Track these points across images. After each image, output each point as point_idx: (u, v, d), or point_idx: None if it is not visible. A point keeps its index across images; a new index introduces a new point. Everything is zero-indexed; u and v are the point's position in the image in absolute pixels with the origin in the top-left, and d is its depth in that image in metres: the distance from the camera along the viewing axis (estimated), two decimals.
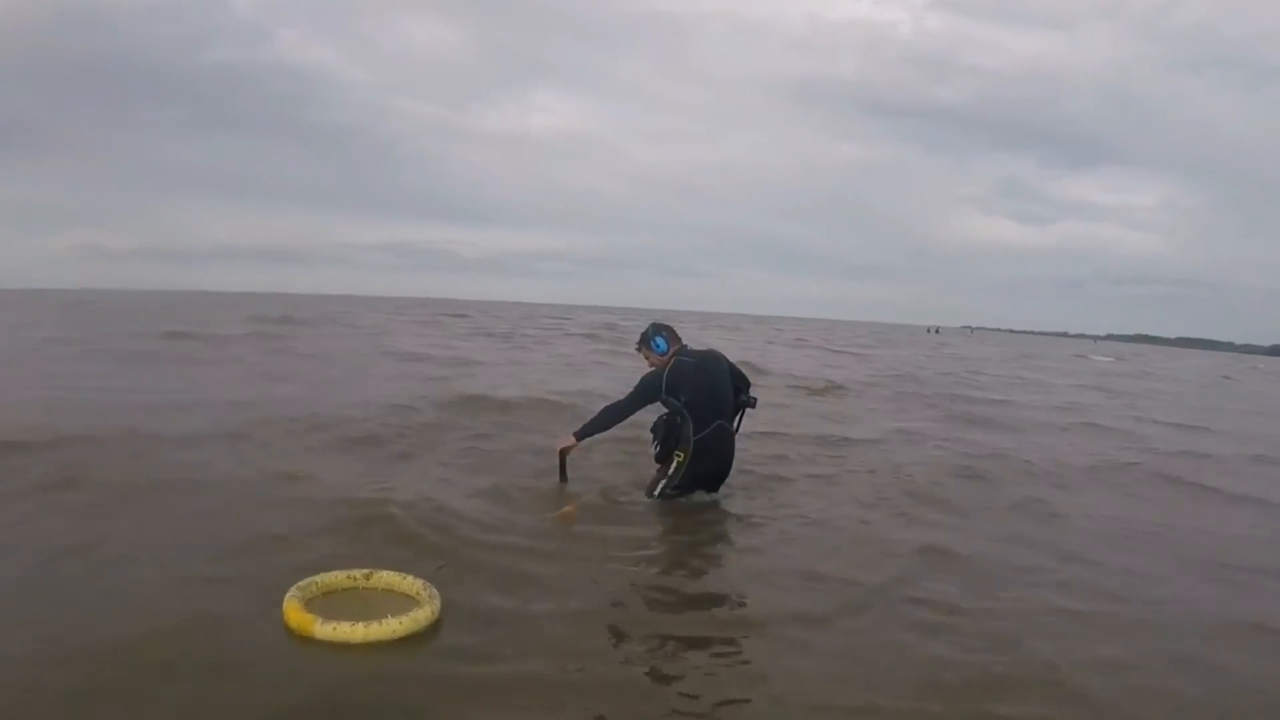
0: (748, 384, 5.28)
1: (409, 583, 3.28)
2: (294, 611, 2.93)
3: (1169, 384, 23.26)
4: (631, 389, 5.02)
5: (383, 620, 2.89)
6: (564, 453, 5.05)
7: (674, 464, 4.93)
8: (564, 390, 9.06)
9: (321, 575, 3.27)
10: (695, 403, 4.91)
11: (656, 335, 5.07)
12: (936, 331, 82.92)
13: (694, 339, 5.45)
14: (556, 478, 5.13)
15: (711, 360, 5.12)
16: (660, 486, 4.96)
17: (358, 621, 2.87)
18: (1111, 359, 38.67)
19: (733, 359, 5.28)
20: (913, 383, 14.95)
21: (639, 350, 5.22)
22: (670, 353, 5.03)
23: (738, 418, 5.23)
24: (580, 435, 4.97)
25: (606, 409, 5.01)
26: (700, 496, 5.06)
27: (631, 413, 4.99)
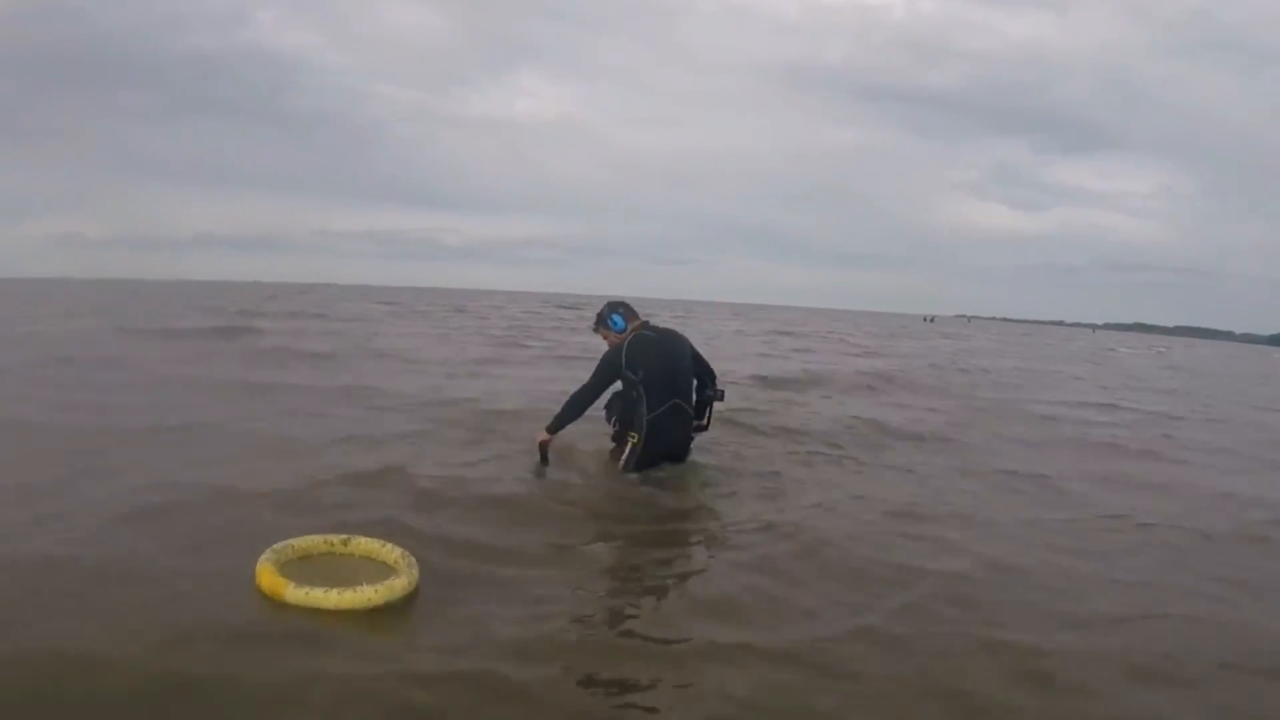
0: (713, 376, 5.28)
1: (387, 550, 3.23)
2: (267, 574, 2.91)
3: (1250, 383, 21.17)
4: (593, 370, 5.02)
5: (357, 588, 2.85)
6: (543, 445, 5.04)
7: (629, 445, 4.92)
8: None
9: (298, 539, 3.25)
10: (651, 379, 4.88)
11: (612, 313, 5.09)
12: (931, 320, 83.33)
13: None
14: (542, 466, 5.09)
15: (673, 338, 5.13)
16: (625, 461, 4.94)
17: (331, 588, 2.84)
18: (1131, 350, 37.15)
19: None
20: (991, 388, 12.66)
21: (596, 330, 5.25)
22: (629, 329, 5.04)
23: (708, 412, 5.27)
24: (552, 428, 4.96)
25: (573, 396, 4.96)
26: (668, 468, 5.04)
27: (598, 394, 5.01)
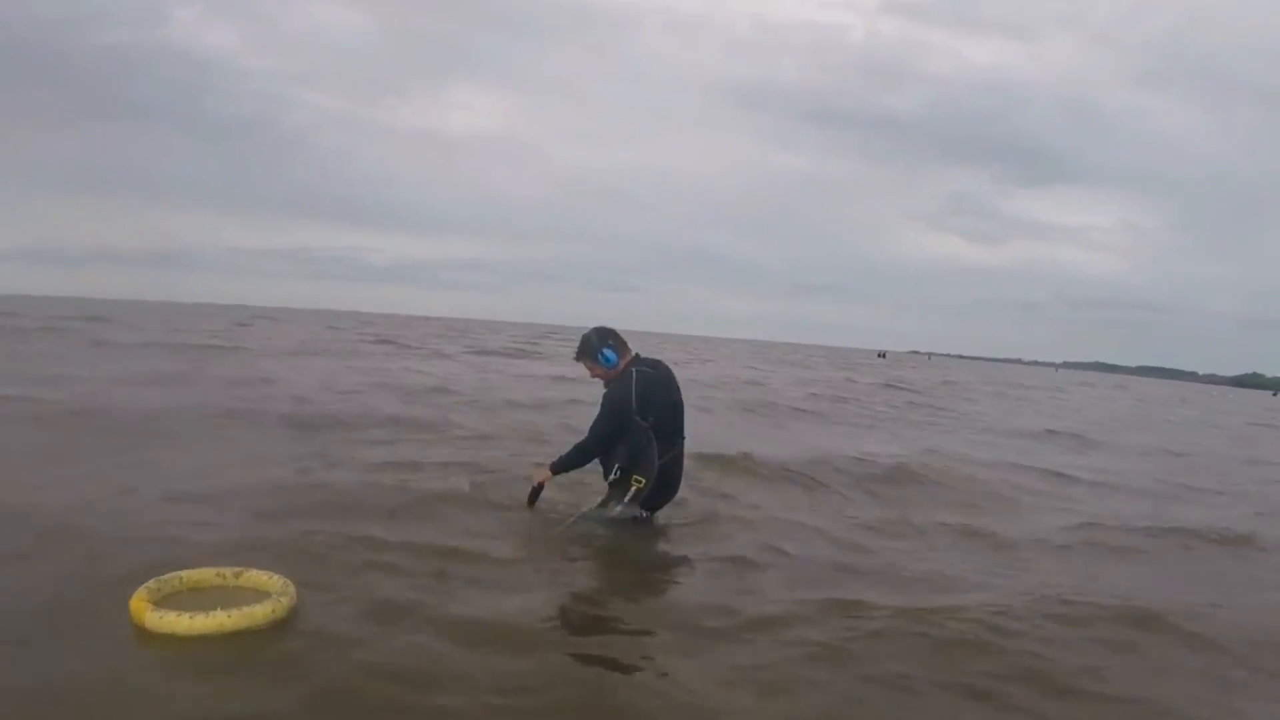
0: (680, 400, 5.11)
1: (272, 581, 3.39)
2: (136, 600, 3.13)
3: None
4: (597, 414, 4.80)
5: (210, 613, 3.03)
6: (539, 485, 4.94)
7: (631, 490, 4.76)
8: None
9: (188, 571, 3.45)
10: (661, 421, 4.77)
11: (604, 346, 4.81)
12: (882, 356, 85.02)
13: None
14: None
15: (667, 372, 4.97)
16: (616, 510, 4.82)
17: (190, 613, 3.04)
18: (1117, 391, 38.81)
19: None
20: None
21: (580, 361, 4.95)
22: (622, 364, 4.84)
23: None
24: (555, 469, 4.86)
25: (581, 446, 4.81)
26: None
27: (609, 443, 4.77)
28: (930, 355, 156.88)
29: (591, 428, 4.81)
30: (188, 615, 3.01)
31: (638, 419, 4.70)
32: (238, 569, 3.51)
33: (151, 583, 3.26)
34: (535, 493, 4.96)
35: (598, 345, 4.82)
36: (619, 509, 4.80)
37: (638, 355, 4.94)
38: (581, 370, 5.01)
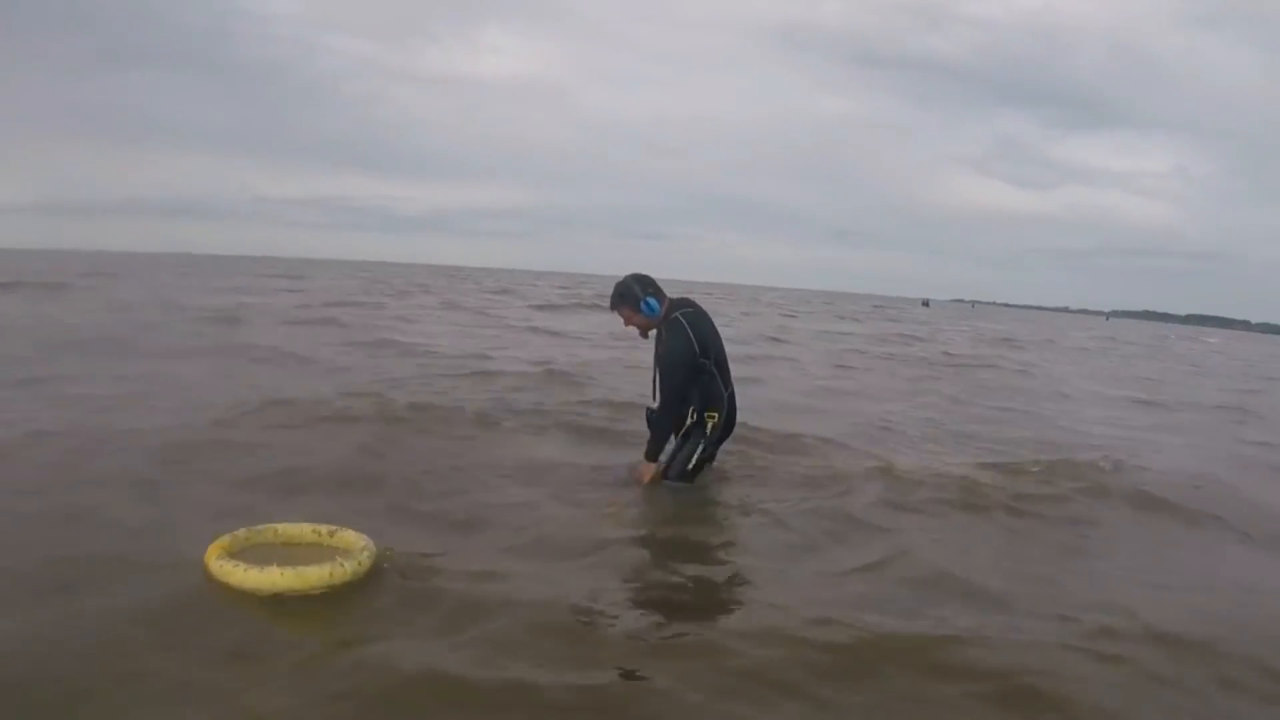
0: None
1: (357, 542, 3.45)
2: (211, 545, 3.28)
3: None
4: (664, 371, 4.79)
5: (265, 569, 3.09)
6: (654, 478, 4.90)
7: (709, 426, 4.87)
8: None
9: (285, 524, 3.62)
10: (720, 358, 4.96)
11: (647, 294, 4.79)
12: (926, 305, 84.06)
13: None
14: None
15: (702, 310, 5.05)
16: (695, 457, 4.88)
17: (247, 566, 3.12)
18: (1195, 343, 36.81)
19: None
20: None
21: (616, 310, 4.96)
22: (664, 311, 4.85)
23: None
24: (654, 457, 4.89)
25: (660, 418, 4.83)
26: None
27: (687, 397, 4.84)
28: (974, 304, 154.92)
29: (664, 390, 4.81)
30: (243, 568, 3.10)
31: (703, 360, 4.81)
32: (333, 527, 3.60)
33: (241, 530, 3.44)
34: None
35: (640, 294, 4.80)
36: (696, 456, 4.88)
37: (672, 299, 4.96)
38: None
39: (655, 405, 4.89)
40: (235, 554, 3.28)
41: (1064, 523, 4.84)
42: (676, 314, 4.83)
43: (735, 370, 5.18)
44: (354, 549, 3.37)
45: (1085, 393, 12.85)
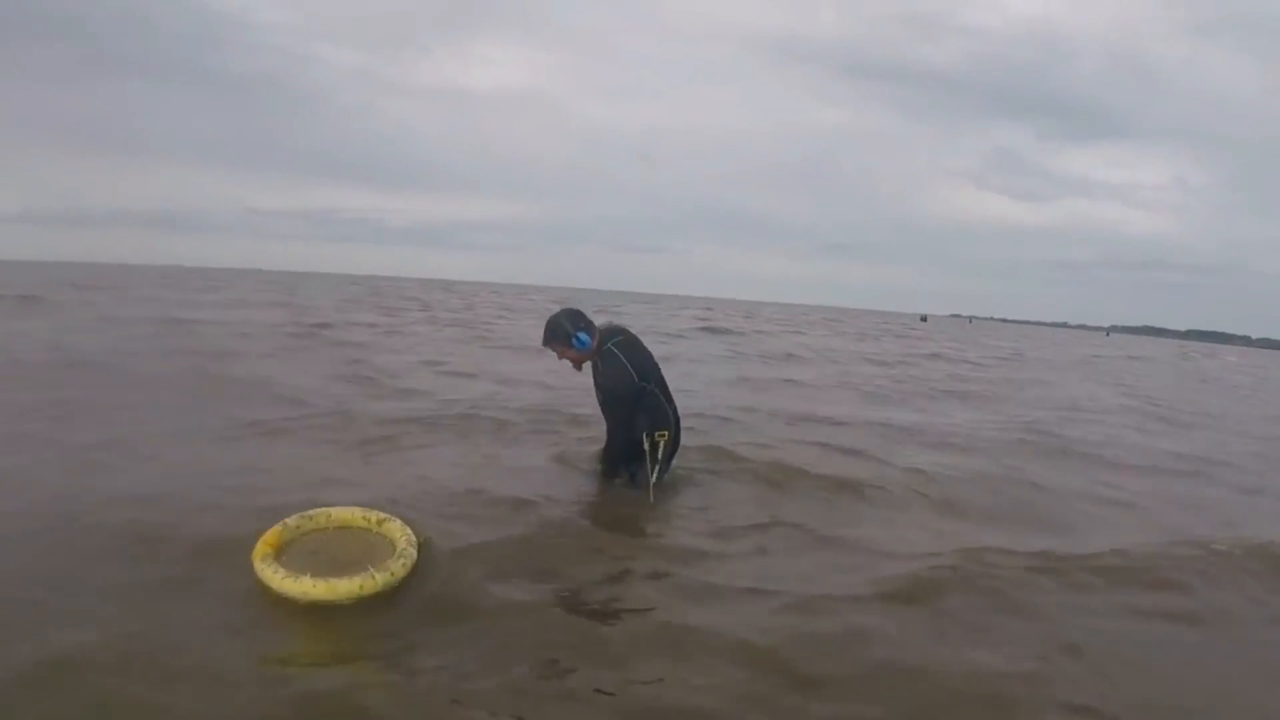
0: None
1: (401, 537, 3.54)
2: (261, 539, 3.40)
3: None
4: (609, 402, 5.01)
5: (299, 577, 3.17)
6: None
7: (659, 448, 4.99)
8: None
9: (338, 508, 3.76)
10: (658, 379, 5.13)
11: (577, 330, 4.92)
12: (924, 320, 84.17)
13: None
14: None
15: (631, 334, 5.19)
16: (656, 473, 4.98)
17: (285, 570, 3.21)
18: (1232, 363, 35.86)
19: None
20: None
21: (549, 347, 5.06)
22: (595, 343, 4.97)
23: None
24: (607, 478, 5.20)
25: (613, 449, 5.11)
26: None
27: (631, 423, 4.99)
28: (972, 319, 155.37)
29: (611, 420, 5.05)
30: (281, 573, 3.18)
31: (643, 385, 4.97)
32: (382, 515, 3.71)
33: (293, 518, 3.58)
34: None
35: (571, 330, 4.92)
36: (654, 476, 4.95)
37: (602, 330, 5.08)
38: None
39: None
40: (286, 545, 3.46)
41: None
42: (609, 344, 4.97)
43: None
44: (396, 545, 3.49)
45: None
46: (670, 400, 5.16)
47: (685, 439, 5.47)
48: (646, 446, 4.97)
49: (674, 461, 5.24)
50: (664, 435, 5.00)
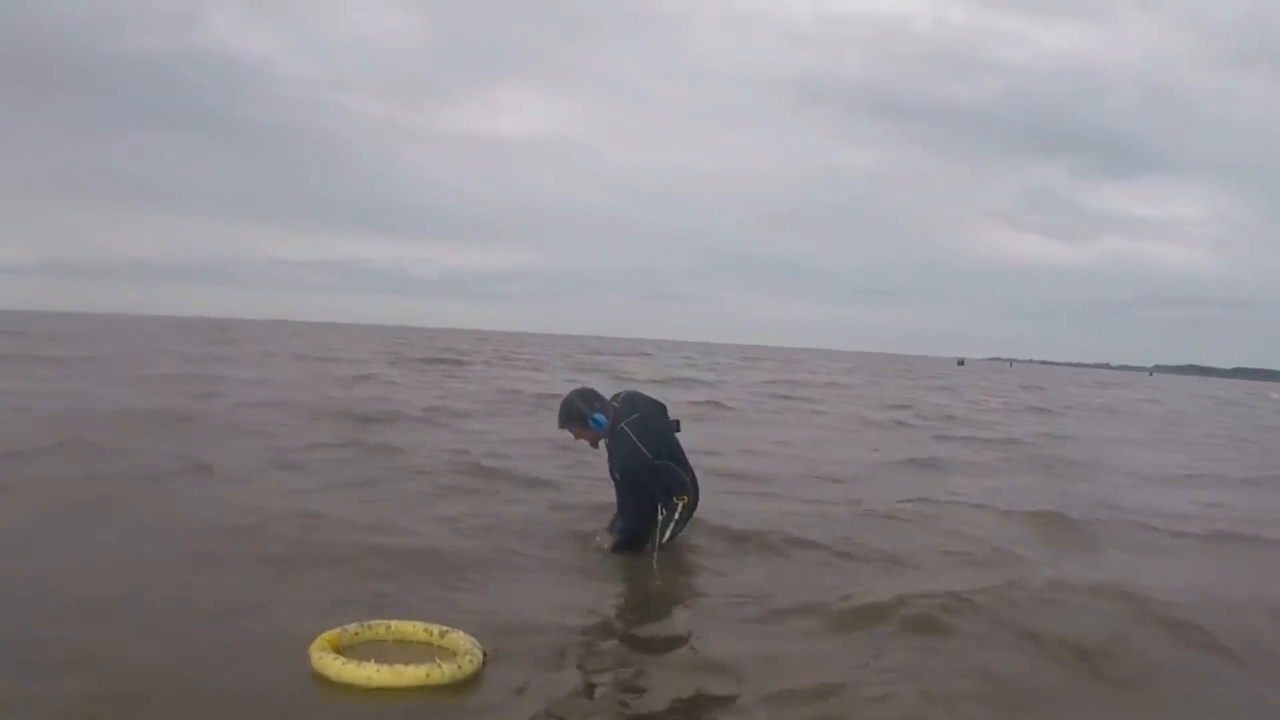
0: (664, 408, 5.45)
1: (463, 644, 3.50)
2: (319, 639, 3.40)
3: None
4: (625, 486, 5.08)
5: (361, 663, 3.21)
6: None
7: (678, 509, 5.11)
8: None
9: (399, 621, 3.74)
10: (672, 451, 5.17)
11: (593, 411, 5.03)
12: (961, 364, 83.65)
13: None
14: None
15: (645, 402, 5.27)
16: (669, 533, 5.12)
17: (345, 659, 3.26)
18: None
19: None
20: None
21: (565, 428, 5.18)
22: (611, 421, 5.04)
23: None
24: (617, 551, 5.14)
25: (630, 531, 5.10)
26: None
27: (652, 503, 5.07)
28: (1012, 362, 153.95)
29: (625, 505, 5.17)
30: (340, 660, 3.23)
31: (658, 463, 5.02)
32: (444, 628, 3.66)
33: (352, 625, 3.59)
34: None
35: (586, 411, 5.03)
36: (669, 532, 5.11)
37: (616, 405, 5.14)
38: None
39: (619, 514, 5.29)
40: (343, 648, 3.41)
41: None
42: (622, 425, 5.00)
43: None
44: (460, 652, 3.44)
45: None
46: (688, 468, 5.23)
47: None
48: (662, 514, 5.07)
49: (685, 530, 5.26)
50: (683, 498, 5.11)
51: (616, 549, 5.14)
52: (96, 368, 17.43)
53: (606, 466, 5.15)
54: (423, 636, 3.65)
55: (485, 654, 3.48)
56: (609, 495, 5.46)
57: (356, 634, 3.56)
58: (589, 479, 6.92)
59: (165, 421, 9.53)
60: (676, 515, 5.11)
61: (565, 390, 5.42)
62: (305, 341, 38.17)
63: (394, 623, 3.72)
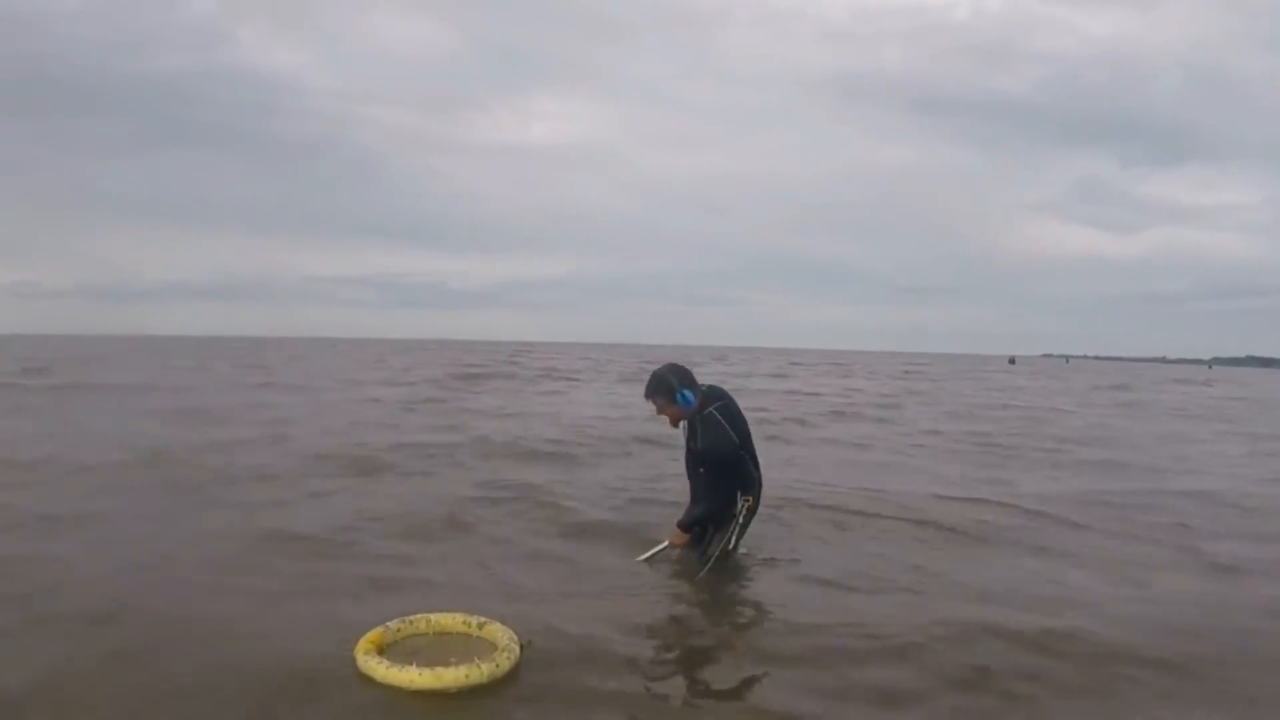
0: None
1: (502, 637, 3.69)
2: (363, 639, 3.61)
3: None
4: (712, 468, 5.10)
5: (404, 667, 3.39)
6: (673, 547, 5.32)
7: (743, 511, 5.12)
8: None
9: (438, 614, 3.95)
10: (752, 452, 5.23)
11: (683, 387, 5.00)
12: (1013, 362, 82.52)
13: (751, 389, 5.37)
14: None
15: (728, 396, 5.24)
16: (733, 540, 5.14)
17: (389, 663, 3.44)
18: None
19: None
20: None
21: (650, 400, 5.14)
22: (698, 403, 5.05)
23: None
24: (687, 527, 5.21)
25: (708, 504, 5.13)
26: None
27: (732, 488, 5.12)
28: (1068, 358, 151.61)
29: (706, 487, 5.14)
30: (385, 665, 3.41)
31: (742, 453, 5.10)
32: (482, 619, 3.86)
33: (394, 622, 3.80)
34: (658, 553, 5.34)
35: (676, 386, 5.00)
36: (733, 539, 5.14)
37: (704, 392, 5.13)
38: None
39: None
40: (387, 646, 3.65)
41: None
42: (711, 408, 5.04)
43: None
44: (499, 644, 3.63)
45: None
46: (758, 467, 5.25)
47: None
48: (739, 510, 5.10)
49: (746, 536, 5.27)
50: (749, 500, 5.13)
51: (682, 524, 5.19)
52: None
53: (683, 457, 5.31)
54: (461, 628, 3.86)
55: (523, 645, 3.66)
56: None
57: (399, 630, 3.77)
58: None
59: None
60: (741, 519, 5.13)
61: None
62: (379, 361, 38.13)
63: (434, 616, 3.92)
